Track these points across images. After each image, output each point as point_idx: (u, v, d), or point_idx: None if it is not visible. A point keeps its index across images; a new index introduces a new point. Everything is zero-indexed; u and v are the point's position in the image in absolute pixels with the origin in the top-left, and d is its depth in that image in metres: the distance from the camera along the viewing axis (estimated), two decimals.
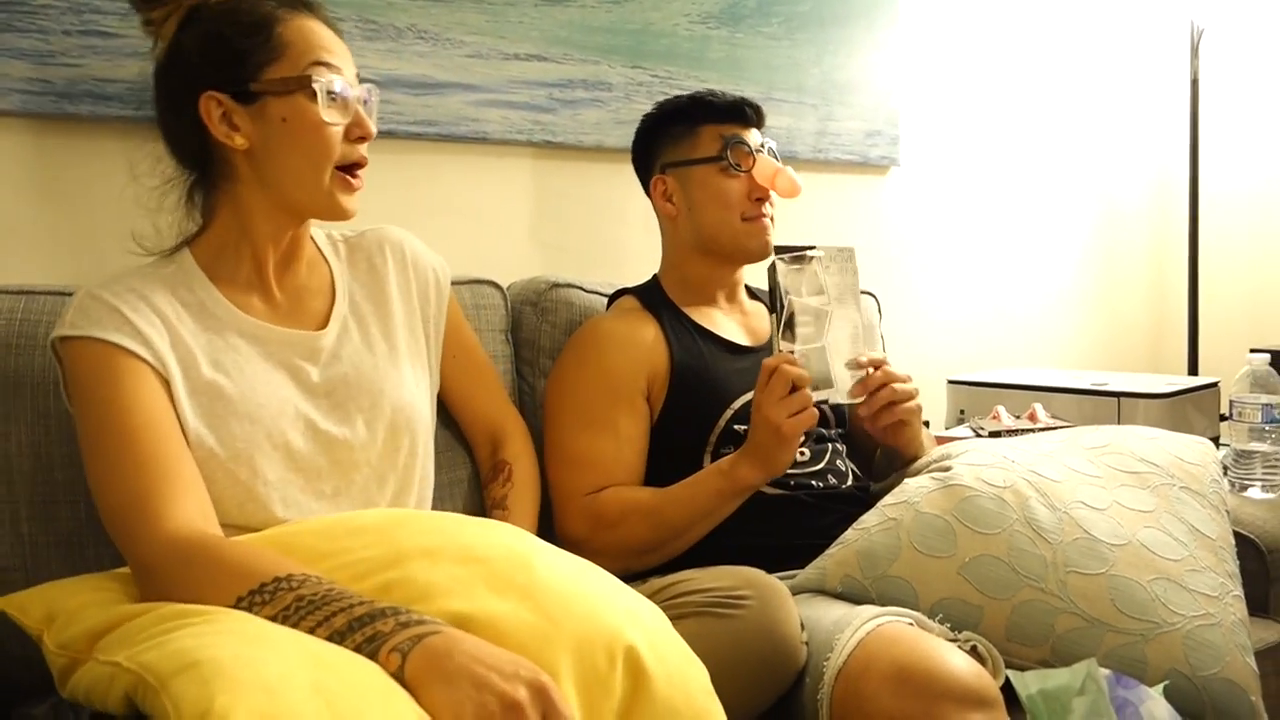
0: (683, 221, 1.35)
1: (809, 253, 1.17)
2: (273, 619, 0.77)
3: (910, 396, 1.22)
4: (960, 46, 2.12)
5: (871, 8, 1.93)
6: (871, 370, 1.21)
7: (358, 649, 0.73)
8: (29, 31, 1.17)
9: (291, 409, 1.00)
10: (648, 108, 1.40)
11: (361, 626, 0.74)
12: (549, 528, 1.24)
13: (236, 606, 0.79)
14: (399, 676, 0.72)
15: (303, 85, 0.97)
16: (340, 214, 1.02)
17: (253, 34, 0.97)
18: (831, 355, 1.18)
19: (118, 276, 0.99)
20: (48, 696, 0.92)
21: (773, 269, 1.16)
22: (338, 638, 0.74)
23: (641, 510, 1.20)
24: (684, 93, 1.39)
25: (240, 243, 1.02)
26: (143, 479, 0.89)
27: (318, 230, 1.13)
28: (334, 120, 0.98)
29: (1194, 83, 2.24)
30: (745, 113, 1.33)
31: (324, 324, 1.06)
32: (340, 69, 1.00)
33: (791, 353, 1.14)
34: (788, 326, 1.15)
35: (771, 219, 1.34)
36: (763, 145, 1.34)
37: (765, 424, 1.12)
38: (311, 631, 0.75)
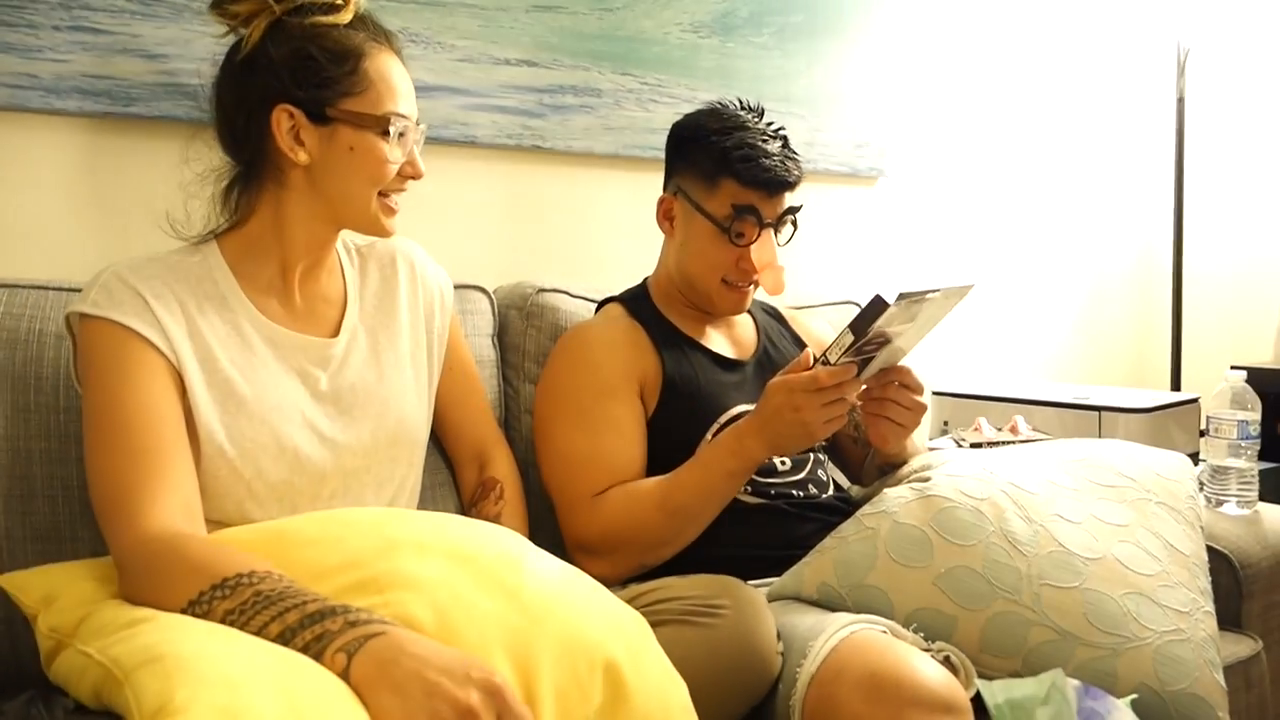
0: (672, 246, 1.34)
1: (928, 295, 1.05)
2: (229, 613, 0.77)
3: (911, 408, 1.20)
4: (948, 59, 2.13)
5: (863, 20, 1.94)
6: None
7: (306, 647, 0.73)
8: (17, 26, 1.17)
9: (300, 414, 1.02)
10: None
11: (311, 624, 0.74)
12: (548, 537, 1.18)
13: (196, 601, 0.79)
14: (345, 677, 0.71)
15: (379, 126, 1.01)
16: (383, 232, 1.07)
17: (340, 62, 1.00)
18: (875, 365, 1.15)
19: (144, 261, 1.00)
20: (22, 691, 0.92)
21: (880, 307, 1.02)
22: (289, 634, 0.74)
23: (652, 500, 1.17)
24: (739, 110, 1.29)
25: (272, 245, 1.04)
26: (131, 472, 0.89)
27: None
28: (396, 159, 1.04)
29: (1180, 101, 2.26)
30: (770, 186, 1.25)
31: (336, 331, 1.08)
32: (410, 116, 1.04)
33: (849, 363, 1.08)
34: (857, 350, 1.07)
35: (755, 286, 1.30)
36: (788, 211, 1.28)
37: (799, 424, 1.10)
38: (264, 627, 0.75)
